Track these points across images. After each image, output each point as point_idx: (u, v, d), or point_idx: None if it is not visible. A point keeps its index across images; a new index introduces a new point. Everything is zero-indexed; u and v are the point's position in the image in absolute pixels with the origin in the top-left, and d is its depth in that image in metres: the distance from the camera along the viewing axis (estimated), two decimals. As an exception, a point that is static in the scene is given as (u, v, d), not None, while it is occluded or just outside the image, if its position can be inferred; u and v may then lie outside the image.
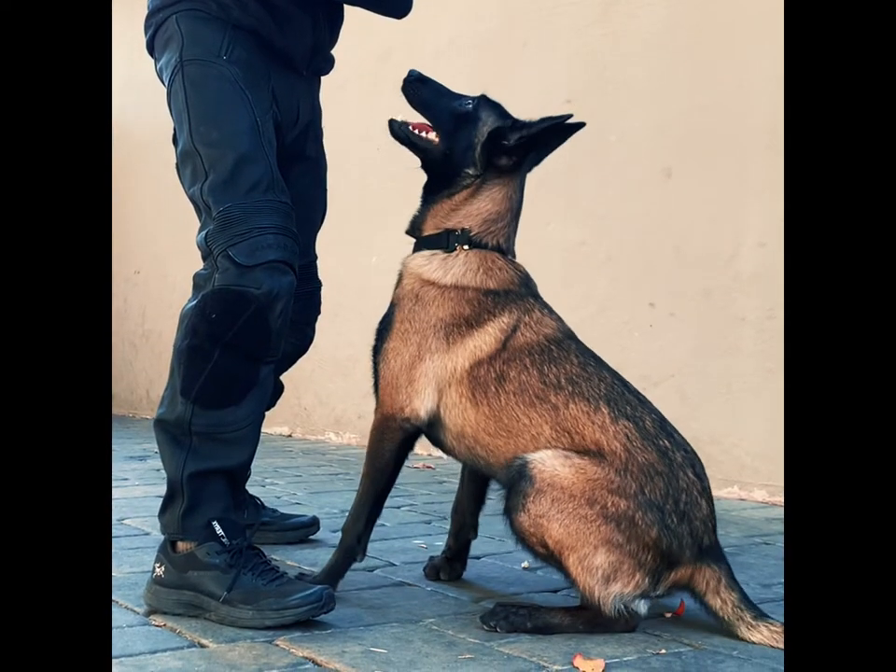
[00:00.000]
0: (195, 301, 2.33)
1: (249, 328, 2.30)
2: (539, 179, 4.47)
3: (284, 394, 6.38)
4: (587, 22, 4.57)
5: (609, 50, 4.50)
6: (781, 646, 2.13)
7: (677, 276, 4.24)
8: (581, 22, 4.59)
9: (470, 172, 2.48)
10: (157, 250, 7.06)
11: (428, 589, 2.59)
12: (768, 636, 2.16)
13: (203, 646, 2.11)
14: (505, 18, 4.90)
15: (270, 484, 4.23)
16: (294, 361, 3.03)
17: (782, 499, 3.88)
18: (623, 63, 4.45)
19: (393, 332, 2.45)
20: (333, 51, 2.81)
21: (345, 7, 2.71)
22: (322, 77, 2.84)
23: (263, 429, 6.44)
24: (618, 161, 4.45)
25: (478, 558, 2.90)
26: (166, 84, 2.48)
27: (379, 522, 2.65)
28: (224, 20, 2.45)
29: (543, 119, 2.47)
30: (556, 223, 4.57)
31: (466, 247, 2.46)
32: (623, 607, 2.21)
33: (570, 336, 2.44)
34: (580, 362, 2.37)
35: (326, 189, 2.90)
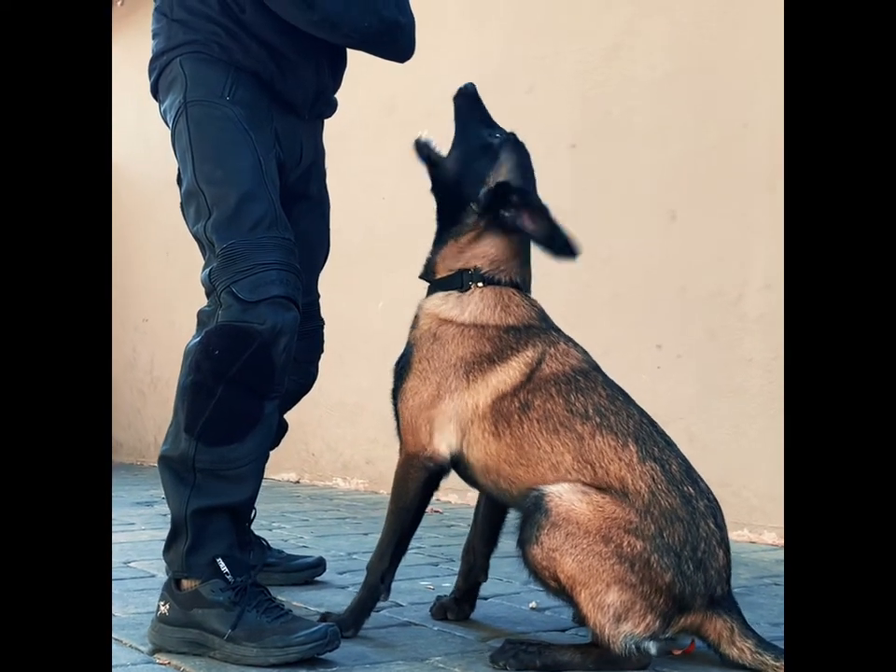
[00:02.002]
0: (199, 338, 2.34)
1: (253, 363, 2.30)
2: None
3: (292, 440, 6.37)
4: (591, 67, 4.61)
5: (613, 95, 4.53)
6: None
7: (683, 318, 4.24)
8: (585, 68, 4.63)
9: (474, 208, 2.48)
10: (165, 298, 7.08)
11: (435, 629, 2.57)
12: None
13: (206, 683, 2.10)
14: (509, 64, 4.95)
15: (277, 528, 4.21)
16: (297, 400, 3.03)
17: (792, 541, 3.85)
18: (627, 107, 4.48)
19: (412, 373, 2.45)
20: (338, 95, 2.84)
21: (348, 50, 2.75)
22: (328, 124, 2.87)
23: (271, 475, 6.43)
24: (622, 205, 4.47)
25: (485, 598, 2.88)
26: (170, 125, 2.51)
27: None
28: (227, 62, 2.48)
29: (546, 211, 2.42)
30: (561, 266, 4.58)
31: (480, 285, 2.47)
32: (633, 646, 2.19)
33: (596, 368, 2.43)
34: (608, 395, 2.35)
35: (329, 229, 2.92)
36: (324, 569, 3.15)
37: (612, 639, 2.17)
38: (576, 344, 2.47)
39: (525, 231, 2.43)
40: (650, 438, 2.30)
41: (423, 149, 2.57)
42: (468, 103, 2.60)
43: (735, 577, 3.18)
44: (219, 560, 2.30)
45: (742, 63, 4.12)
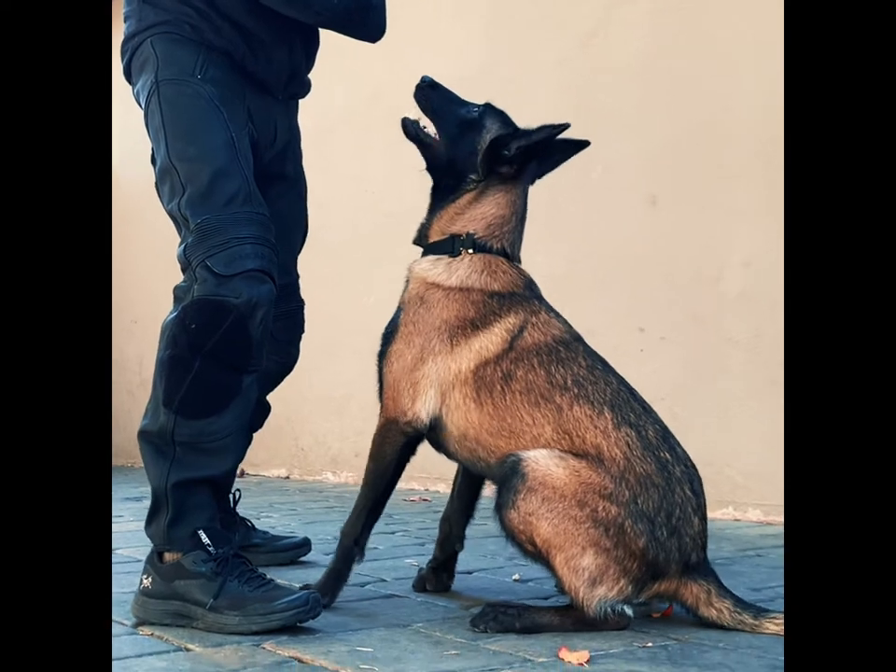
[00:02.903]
0: (175, 313, 2.36)
1: (230, 337, 2.32)
2: (528, 209, 4.54)
3: (281, 436, 6.38)
4: (570, 55, 4.64)
5: (593, 82, 4.56)
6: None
7: (666, 301, 4.27)
8: (565, 56, 4.66)
9: (474, 177, 2.52)
10: (154, 299, 7.07)
11: (418, 600, 2.59)
12: (775, 629, 2.16)
13: (189, 650, 2.11)
14: (490, 56, 4.98)
15: (265, 517, 4.22)
16: (279, 381, 3.05)
17: (777, 518, 3.88)
18: (606, 94, 4.51)
19: (398, 335, 2.47)
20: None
21: (326, 36, 2.77)
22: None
23: (261, 471, 6.42)
24: (604, 190, 4.50)
25: (469, 573, 2.91)
26: (143, 106, 2.53)
27: (371, 545, 2.66)
28: (198, 41, 2.50)
29: (542, 128, 2.52)
30: (544, 253, 4.60)
31: (471, 251, 2.50)
32: (608, 609, 2.21)
33: (578, 339, 2.45)
34: (587, 365, 2.38)
35: (306, 209, 2.93)
36: (309, 549, 3.17)
37: (587, 602, 2.19)
38: (558, 315, 2.49)
39: (529, 148, 2.49)
40: (626, 405, 2.32)
41: (411, 128, 2.59)
42: (432, 93, 2.62)
43: (717, 550, 3.23)
44: (201, 532, 2.31)
45: (721, 49, 4.16)
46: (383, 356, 2.51)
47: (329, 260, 5.65)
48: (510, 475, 2.25)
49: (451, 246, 2.50)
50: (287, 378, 6.07)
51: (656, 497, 2.22)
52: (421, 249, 2.60)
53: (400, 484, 5.27)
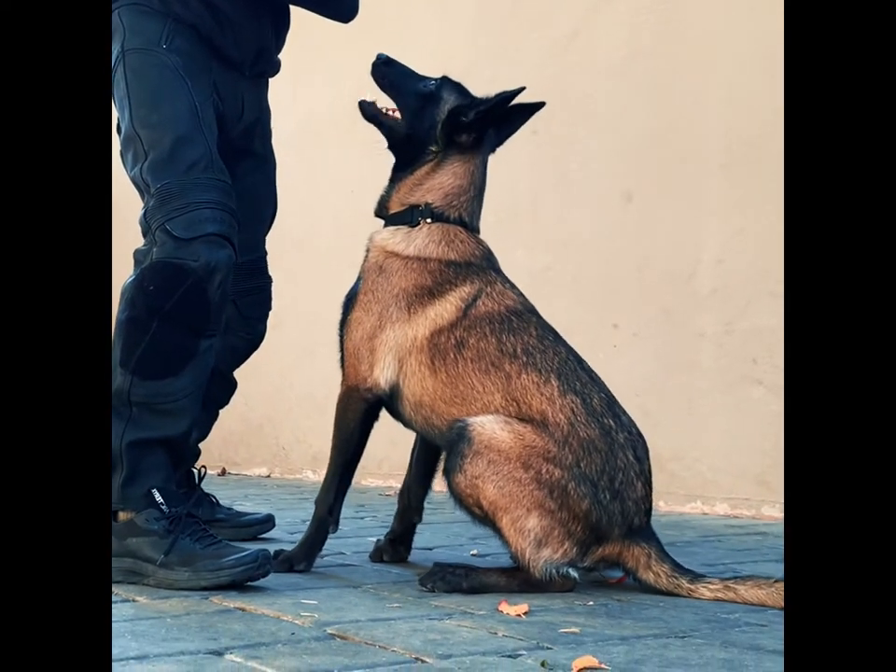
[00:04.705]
0: (134, 276, 2.39)
1: (187, 300, 2.36)
2: (506, 207, 4.59)
3: (262, 434, 6.40)
4: (550, 55, 4.69)
5: (571, 81, 4.61)
6: (723, 599, 2.17)
7: (639, 296, 4.30)
8: (545, 55, 4.71)
9: (433, 149, 2.57)
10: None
11: (374, 568, 2.62)
12: (709, 596, 2.19)
13: (136, 601, 2.14)
14: (472, 55, 5.03)
15: (237, 505, 4.23)
16: (246, 357, 3.08)
17: (745, 511, 3.90)
18: (584, 93, 4.56)
19: (357, 304, 2.52)
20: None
21: (291, 9, 2.82)
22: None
23: (242, 470, 6.42)
24: (580, 187, 4.54)
25: (430, 549, 2.93)
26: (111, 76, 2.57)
27: (339, 528, 2.68)
28: (165, 13, 2.54)
29: (499, 94, 2.57)
30: (522, 249, 4.65)
31: (429, 220, 2.53)
32: (553, 571, 2.24)
33: (531, 310, 2.50)
34: (538, 335, 2.42)
35: (275, 186, 2.97)
36: (273, 525, 3.20)
37: (533, 563, 2.22)
38: (513, 286, 2.54)
39: (486, 112, 2.54)
40: (573, 373, 2.36)
41: (368, 109, 2.64)
42: (388, 69, 2.67)
43: (680, 536, 3.26)
44: (154, 491, 2.34)
45: (695, 50, 4.21)
46: (343, 324, 2.56)
47: (310, 259, 5.70)
48: (456, 440, 2.29)
49: (410, 217, 2.54)
50: (269, 377, 6.10)
51: (599, 461, 2.25)
52: (382, 221, 2.65)
53: (378, 482, 5.34)
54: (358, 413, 2.50)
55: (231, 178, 2.55)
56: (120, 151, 2.53)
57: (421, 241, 2.51)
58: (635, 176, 4.37)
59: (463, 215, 2.56)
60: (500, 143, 2.66)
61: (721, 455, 4.00)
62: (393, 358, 2.45)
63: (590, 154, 4.51)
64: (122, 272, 2.44)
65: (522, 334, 2.41)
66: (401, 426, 2.60)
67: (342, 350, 2.56)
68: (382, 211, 2.63)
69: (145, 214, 2.41)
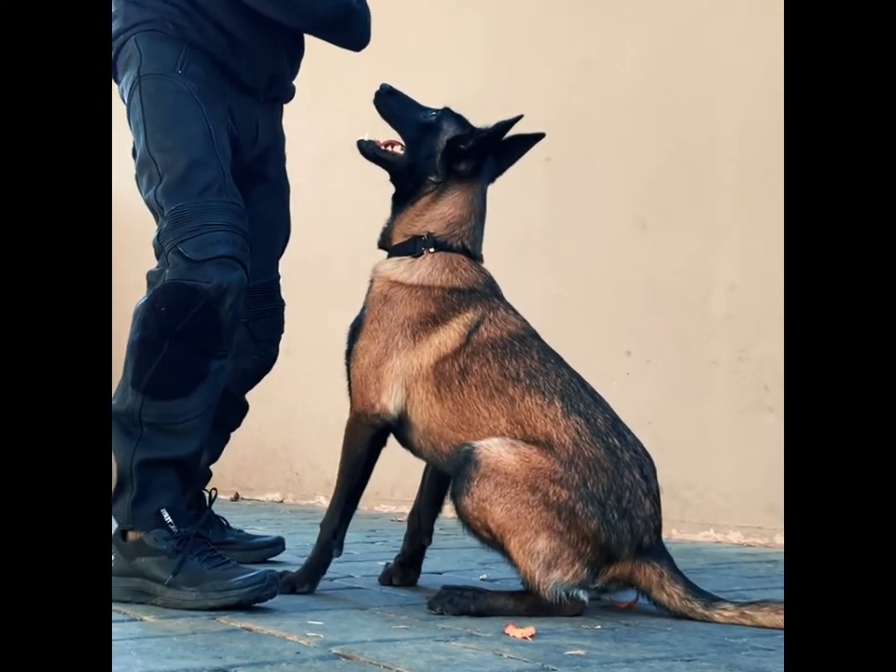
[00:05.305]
0: (147, 297, 2.41)
1: (199, 321, 2.37)
2: (519, 234, 4.61)
3: (275, 460, 6.40)
4: (564, 84, 4.72)
5: (585, 110, 4.63)
6: (739, 624, 2.17)
7: (652, 324, 4.30)
8: (559, 84, 4.74)
9: (433, 179, 2.59)
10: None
11: (383, 591, 2.62)
12: (724, 621, 2.18)
13: (143, 621, 2.14)
14: (487, 82, 5.06)
15: (249, 529, 4.24)
16: (257, 380, 3.09)
17: (757, 540, 3.89)
18: (598, 121, 4.58)
19: (363, 332, 2.54)
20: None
21: (312, 41, 2.85)
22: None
23: (255, 496, 6.42)
24: (594, 214, 4.55)
25: (439, 573, 2.92)
26: (126, 101, 2.60)
27: (347, 551, 2.68)
28: (180, 38, 2.57)
29: (497, 124, 2.59)
30: (535, 276, 4.66)
31: (432, 250, 2.55)
32: (563, 594, 2.23)
33: (534, 335, 2.51)
34: (540, 358, 2.43)
35: (288, 211, 2.99)
36: (283, 548, 3.20)
37: (543, 586, 2.22)
38: (516, 312, 2.55)
39: (484, 140, 2.57)
40: (576, 395, 2.37)
41: (367, 149, 2.67)
42: (391, 99, 2.70)
43: (691, 563, 3.24)
44: (164, 511, 2.35)
45: (709, 77, 4.23)
46: (349, 353, 2.57)
47: (324, 284, 5.72)
48: (463, 463, 2.30)
49: (413, 247, 2.57)
50: (283, 402, 6.11)
51: (605, 481, 2.26)
52: (385, 253, 2.67)
53: (391, 508, 5.34)
54: (366, 438, 2.51)
55: (246, 202, 2.57)
56: (136, 175, 2.56)
57: (424, 270, 2.53)
58: (648, 203, 4.37)
59: (465, 243, 2.58)
60: (500, 172, 2.68)
61: (734, 483, 3.98)
62: (400, 386, 2.46)
63: (603, 181, 4.53)
64: (136, 294, 2.47)
65: (524, 357, 2.43)
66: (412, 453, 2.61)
67: (349, 378, 2.58)
68: (385, 242, 2.66)
69: (158, 236, 2.43)
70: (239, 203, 2.50)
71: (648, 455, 2.37)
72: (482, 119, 5.35)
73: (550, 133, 4.78)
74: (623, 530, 2.24)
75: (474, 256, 2.60)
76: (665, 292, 4.28)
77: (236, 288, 2.42)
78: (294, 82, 2.93)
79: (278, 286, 3.03)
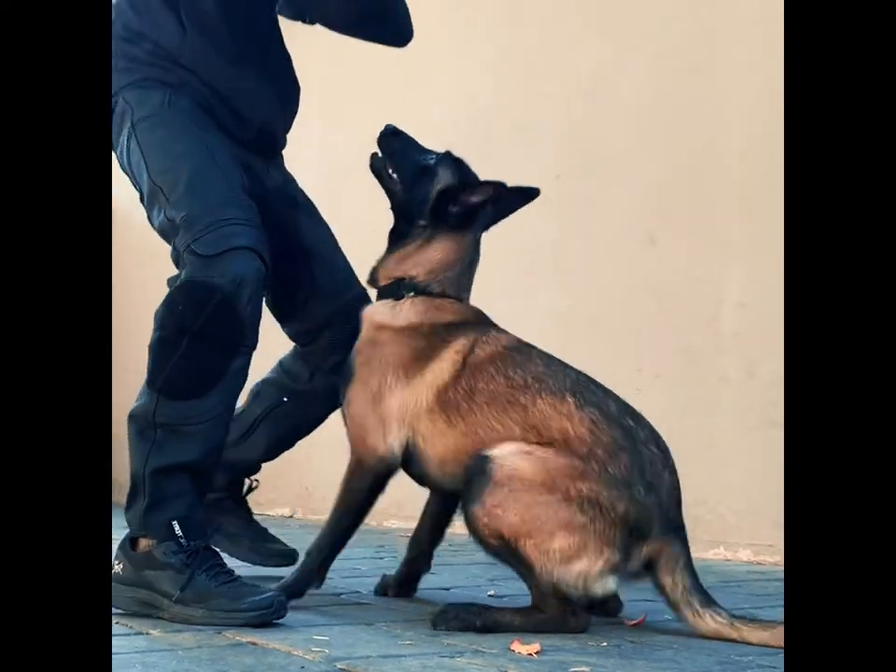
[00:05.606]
0: (165, 298, 2.42)
1: (217, 317, 2.35)
2: (528, 251, 4.62)
3: (285, 475, 6.40)
4: (572, 102, 4.73)
5: (595, 127, 4.64)
6: (725, 636, 2.16)
7: (662, 340, 4.30)
8: (567, 102, 4.75)
9: (422, 223, 2.59)
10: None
11: (389, 606, 2.62)
12: (713, 627, 2.18)
13: (149, 634, 2.15)
14: (497, 99, 5.07)
15: (258, 544, 4.24)
16: (325, 417, 3.08)
17: (767, 558, 3.87)
18: (607, 137, 4.59)
19: (354, 378, 2.53)
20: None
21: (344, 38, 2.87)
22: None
23: (265, 510, 6.43)
24: (603, 231, 4.56)
25: (447, 589, 2.92)
26: (126, 159, 2.59)
27: (356, 566, 2.69)
28: (165, 83, 2.60)
29: (486, 185, 2.60)
30: (545, 293, 4.67)
31: (412, 295, 2.55)
32: (582, 583, 2.21)
33: (529, 346, 2.51)
34: (543, 362, 2.44)
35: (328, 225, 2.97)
36: (294, 562, 3.19)
37: (561, 580, 2.20)
38: (507, 333, 2.54)
39: (474, 205, 2.56)
40: (586, 389, 2.38)
41: (377, 163, 2.68)
42: (394, 139, 2.70)
43: (701, 582, 3.22)
44: (175, 523, 2.34)
45: (717, 93, 4.24)
46: (342, 397, 2.57)
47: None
48: (476, 473, 2.28)
49: (396, 290, 2.57)
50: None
51: (626, 459, 2.26)
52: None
53: (400, 523, 5.32)
54: (366, 483, 2.53)
55: (296, 229, 2.63)
56: (148, 216, 2.57)
57: (406, 312, 2.53)
58: (658, 219, 4.38)
59: (446, 289, 2.56)
60: (495, 222, 2.67)
61: (744, 500, 3.97)
62: (401, 424, 2.45)
63: (613, 197, 4.53)
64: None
65: (527, 364, 2.43)
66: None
67: (345, 423, 2.58)
68: (373, 282, 2.67)
69: (174, 245, 2.43)
70: (247, 198, 2.50)
71: (659, 435, 2.38)
72: (491, 136, 5.38)
73: (559, 149, 4.82)
74: (652, 504, 2.25)
75: (458, 300, 2.60)
76: (675, 308, 4.28)
77: (254, 280, 2.38)
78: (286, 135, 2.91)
79: (364, 298, 2.84)
